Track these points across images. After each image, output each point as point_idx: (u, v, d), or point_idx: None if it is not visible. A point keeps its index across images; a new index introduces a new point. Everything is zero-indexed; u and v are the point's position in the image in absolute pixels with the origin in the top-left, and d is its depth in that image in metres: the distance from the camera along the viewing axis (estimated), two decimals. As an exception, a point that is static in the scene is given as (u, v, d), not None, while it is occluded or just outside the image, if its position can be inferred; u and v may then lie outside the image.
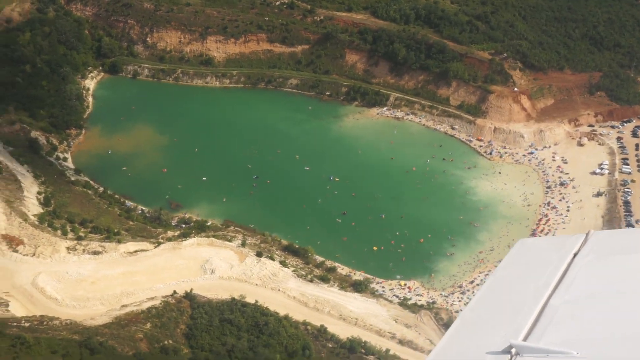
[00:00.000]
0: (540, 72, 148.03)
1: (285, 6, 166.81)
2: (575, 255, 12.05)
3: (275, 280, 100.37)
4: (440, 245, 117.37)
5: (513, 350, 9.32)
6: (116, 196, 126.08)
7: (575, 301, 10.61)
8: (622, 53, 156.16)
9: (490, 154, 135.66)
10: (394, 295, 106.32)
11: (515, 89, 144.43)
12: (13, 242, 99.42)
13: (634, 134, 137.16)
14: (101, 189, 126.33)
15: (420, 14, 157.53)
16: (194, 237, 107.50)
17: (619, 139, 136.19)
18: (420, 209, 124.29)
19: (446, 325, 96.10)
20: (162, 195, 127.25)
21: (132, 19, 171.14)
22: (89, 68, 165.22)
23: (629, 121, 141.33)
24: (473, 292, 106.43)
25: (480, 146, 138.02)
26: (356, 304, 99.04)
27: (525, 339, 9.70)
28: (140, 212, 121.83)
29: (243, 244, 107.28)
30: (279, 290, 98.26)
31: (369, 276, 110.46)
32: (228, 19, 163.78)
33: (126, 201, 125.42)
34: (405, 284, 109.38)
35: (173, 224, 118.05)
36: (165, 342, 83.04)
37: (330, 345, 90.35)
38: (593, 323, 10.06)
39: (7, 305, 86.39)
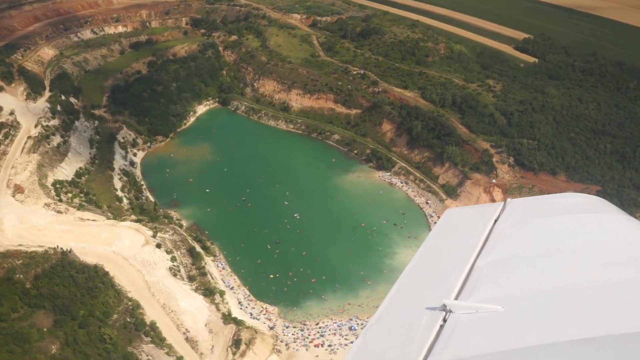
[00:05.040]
0: (531, 172, 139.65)
1: (359, 76, 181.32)
2: (495, 221, 13.20)
3: (151, 266, 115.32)
4: (324, 289, 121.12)
5: (447, 308, 10.16)
6: (143, 187, 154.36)
7: (498, 262, 11.44)
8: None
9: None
10: (249, 312, 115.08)
11: (494, 180, 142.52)
12: (17, 190, 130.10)
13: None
14: (138, 178, 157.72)
15: (457, 100, 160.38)
16: (132, 222, 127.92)
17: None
18: (337, 256, 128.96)
19: (236, 343, 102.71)
20: (172, 194, 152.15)
21: (251, 67, 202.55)
22: (209, 98, 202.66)
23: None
24: (309, 331, 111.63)
25: (435, 222, 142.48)
26: (191, 301, 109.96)
27: (456, 298, 10.57)
28: (145, 199, 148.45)
29: (154, 235, 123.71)
30: (141, 272, 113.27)
31: (247, 292, 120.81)
32: (311, 78, 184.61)
33: (144, 191, 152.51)
34: (265, 307, 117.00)
35: (157, 215, 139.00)
36: (17, 276, 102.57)
37: (129, 320, 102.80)
38: (514, 280, 10.85)
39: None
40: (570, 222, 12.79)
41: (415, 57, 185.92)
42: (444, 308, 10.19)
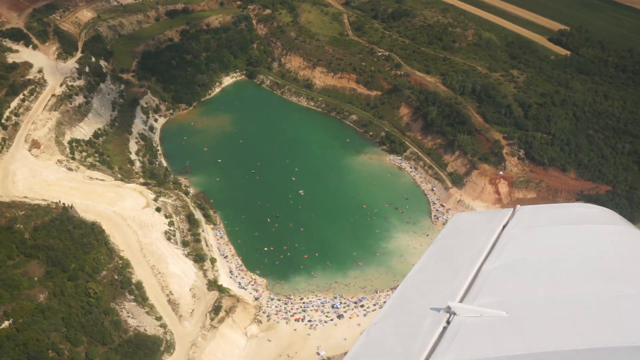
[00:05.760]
0: (541, 166, 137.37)
1: (383, 57, 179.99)
2: (504, 226, 13.39)
3: (147, 228, 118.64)
4: (314, 265, 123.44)
5: (451, 310, 10.34)
6: (158, 152, 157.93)
7: (504, 268, 11.62)
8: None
9: (438, 219, 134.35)
10: (238, 282, 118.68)
11: (501, 172, 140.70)
12: (34, 145, 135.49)
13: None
14: (155, 143, 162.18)
15: (476, 88, 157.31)
16: (139, 185, 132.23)
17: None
18: (334, 235, 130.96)
19: (216, 309, 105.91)
20: (185, 162, 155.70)
21: (280, 41, 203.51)
22: (236, 70, 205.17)
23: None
24: (292, 305, 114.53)
25: (437, 210, 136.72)
26: (180, 265, 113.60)
27: (461, 301, 10.76)
28: (158, 165, 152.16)
29: (156, 199, 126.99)
30: (137, 233, 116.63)
31: (240, 262, 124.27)
32: (336, 56, 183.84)
33: (159, 156, 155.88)
34: (255, 279, 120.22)
35: (166, 180, 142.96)
36: (17, 225, 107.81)
37: (116, 277, 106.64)
38: (520, 287, 11.02)
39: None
40: (578, 232, 12.87)
41: (442, 42, 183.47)
42: (448, 310, 10.39)
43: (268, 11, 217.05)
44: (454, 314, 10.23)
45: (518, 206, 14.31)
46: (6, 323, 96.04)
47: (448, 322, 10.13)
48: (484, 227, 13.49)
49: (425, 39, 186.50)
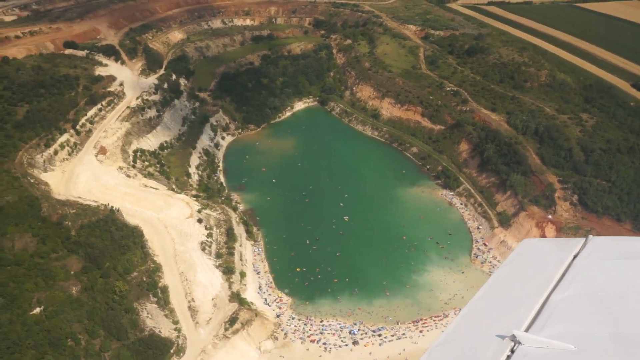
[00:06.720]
0: (594, 214, 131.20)
1: (451, 92, 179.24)
2: (575, 256, 13.01)
3: (185, 237, 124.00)
4: (342, 290, 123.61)
5: (516, 339, 9.98)
6: (219, 168, 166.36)
7: (574, 299, 11.20)
8: None
9: (477, 257, 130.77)
10: (264, 298, 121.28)
11: (550, 216, 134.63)
12: (101, 151, 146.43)
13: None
14: (217, 160, 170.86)
15: (539, 129, 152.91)
16: (191, 196, 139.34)
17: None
18: (367, 263, 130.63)
19: (232, 320, 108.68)
20: (242, 179, 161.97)
21: (354, 71, 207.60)
22: (310, 96, 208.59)
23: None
24: (311, 326, 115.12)
25: (479, 249, 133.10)
26: (208, 275, 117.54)
27: (527, 330, 10.34)
28: (215, 179, 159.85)
29: (200, 211, 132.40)
30: (174, 241, 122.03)
31: (270, 280, 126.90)
32: (405, 89, 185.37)
33: (218, 171, 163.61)
34: (281, 297, 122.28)
35: (218, 194, 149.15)
36: (66, 222, 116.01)
37: (145, 279, 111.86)
38: (590, 320, 10.47)
39: (52, 170, 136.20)
40: None
41: (513, 81, 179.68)
42: (513, 338, 10.12)
43: (348, 41, 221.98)
44: (519, 343, 9.92)
45: (590, 236, 14.04)
46: (37, 309, 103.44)
47: (512, 351, 9.84)
48: (554, 255, 13.25)
49: (497, 76, 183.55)
